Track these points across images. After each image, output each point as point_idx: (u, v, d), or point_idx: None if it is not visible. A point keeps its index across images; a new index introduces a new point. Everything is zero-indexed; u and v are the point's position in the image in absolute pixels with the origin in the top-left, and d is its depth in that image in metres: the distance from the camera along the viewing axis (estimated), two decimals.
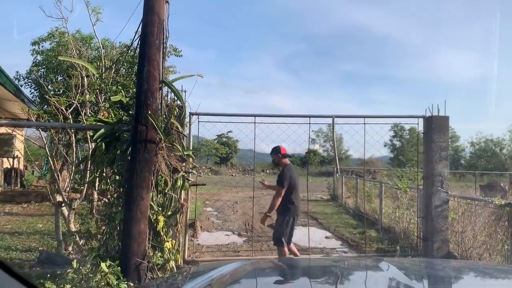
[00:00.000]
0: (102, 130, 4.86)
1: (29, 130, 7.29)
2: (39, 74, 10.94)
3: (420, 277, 1.93)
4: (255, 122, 6.27)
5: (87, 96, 7.15)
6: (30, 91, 11.73)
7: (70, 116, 6.37)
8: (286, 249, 5.80)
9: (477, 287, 1.83)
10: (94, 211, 6.43)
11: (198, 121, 6.20)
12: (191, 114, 6.00)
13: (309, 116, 6.40)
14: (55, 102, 6.19)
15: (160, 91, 4.73)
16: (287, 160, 6.02)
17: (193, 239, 8.15)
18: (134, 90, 5.27)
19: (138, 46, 4.70)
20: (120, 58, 8.16)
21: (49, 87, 9.82)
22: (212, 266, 2.19)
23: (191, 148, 5.94)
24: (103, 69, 7.95)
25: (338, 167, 17.72)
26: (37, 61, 11.19)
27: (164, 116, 4.90)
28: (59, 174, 6.37)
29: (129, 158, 4.54)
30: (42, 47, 11.12)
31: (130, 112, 5.00)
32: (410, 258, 5.73)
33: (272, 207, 5.77)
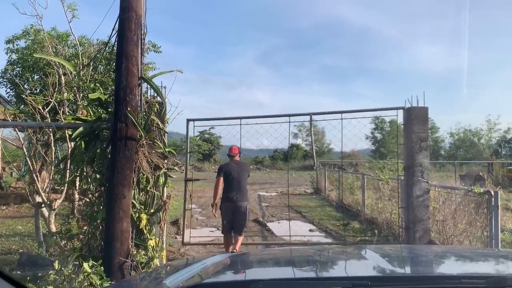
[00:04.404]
0: (81, 129, 4.78)
1: (6, 131, 7.12)
2: (14, 73, 10.67)
3: (402, 262, 1.96)
4: (240, 124, 6.97)
5: (65, 94, 7.02)
6: (6, 90, 11.43)
7: (48, 115, 6.24)
8: (227, 236, 6.26)
9: (456, 268, 1.87)
10: (75, 211, 6.33)
11: (194, 126, 7.03)
12: (188, 120, 6.91)
13: (289, 115, 7.10)
14: (32, 101, 6.06)
15: (139, 87, 4.67)
16: (230, 158, 6.57)
17: (177, 236, 8.11)
18: (113, 87, 5.19)
19: (116, 42, 4.63)
20: (98, 55, 8.02)
21: (25, 86, 9.59)
22: (196, 259, 2.18)
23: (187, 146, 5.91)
24: (81, 66, 7.81)
25: (316, 160, 19.15)
26: (12, 59, 10.91)
27: (144, 113, 4.85)
28: (38, 175, 6.24)
29: (109, 156, 4.48)
30: (16, 45, 10.83)
31: (109, 109, 4.92)
32: (391, 245, 5.80)
33: (214, 196, 6.40)
